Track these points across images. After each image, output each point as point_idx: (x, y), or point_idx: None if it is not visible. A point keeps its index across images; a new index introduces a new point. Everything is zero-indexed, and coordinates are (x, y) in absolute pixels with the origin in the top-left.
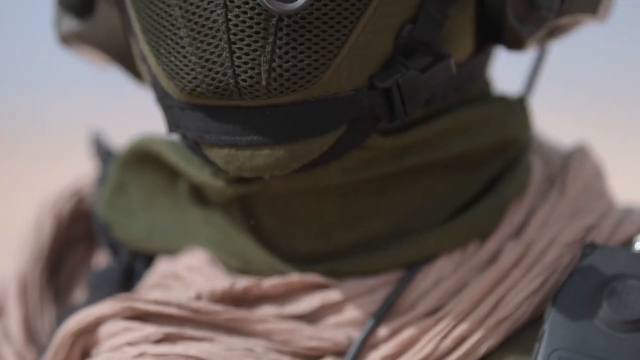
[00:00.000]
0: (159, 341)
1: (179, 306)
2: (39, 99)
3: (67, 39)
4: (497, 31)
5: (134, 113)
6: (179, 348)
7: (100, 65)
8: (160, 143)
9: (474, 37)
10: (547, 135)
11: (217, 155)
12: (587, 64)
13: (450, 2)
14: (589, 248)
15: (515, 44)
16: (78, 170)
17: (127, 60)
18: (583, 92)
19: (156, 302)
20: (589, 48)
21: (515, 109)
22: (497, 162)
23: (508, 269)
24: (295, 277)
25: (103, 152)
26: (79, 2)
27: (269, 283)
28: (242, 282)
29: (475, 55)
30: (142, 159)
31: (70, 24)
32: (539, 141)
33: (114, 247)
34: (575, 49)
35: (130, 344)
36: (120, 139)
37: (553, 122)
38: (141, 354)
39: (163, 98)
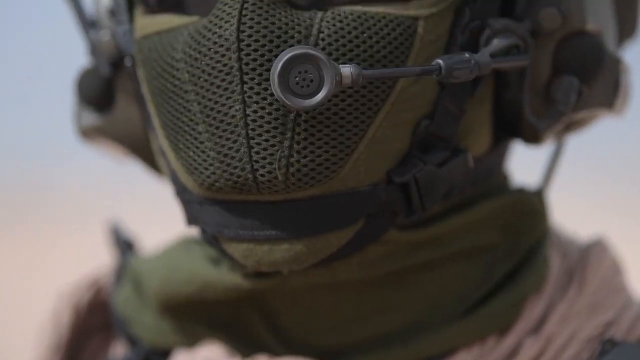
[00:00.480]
0: None
1: None
2: (45, 170)
3: (87, 133)
4: (514, 126)
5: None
6: None
7: (119, 159)
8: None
9: (492, 131)
10: (564, 226)
11: (236, 250)
12: (608, 143)
13: (468, 97)
14: (608, 345)
15: (533, 138)
16: (89, 242)
17: (146, 154)
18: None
19: None
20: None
21: (533, 203)
22: (515, 255)
23: None
24: None
25: (122, 243)
26: (99, 96)
27: None
28: None
29: (493, 149)
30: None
31: (90, 118)
32: (556, 233)
33: (132, 340)
34: (594, 129)
35: None
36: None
37: (570, 203)
38: None
39: (182, 193)
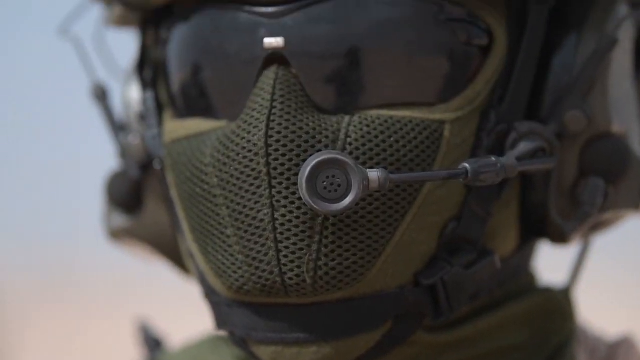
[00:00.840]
0: None
1: None
2: (72, 251)
3: (116, 235)
4: (540, 227)
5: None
6: None
7: (147, 260)
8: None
9: (518, 232)
10: (591, 323)
11: (264, 352)
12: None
13: (494, 200)
14: None
15: (559, 239)
16: (116, 329)
17: (174, 256)
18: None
19: None
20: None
21: (560, 302)
22: (543, 354)
23: None
24: None
25: (150, 341)
26: (128, 199)
27: None
28: None
29: (519, 249)
30: None
31: (119, 219)
32: (583, 330)
33: None
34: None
35: None
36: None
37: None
38: None
39: (210, 295)
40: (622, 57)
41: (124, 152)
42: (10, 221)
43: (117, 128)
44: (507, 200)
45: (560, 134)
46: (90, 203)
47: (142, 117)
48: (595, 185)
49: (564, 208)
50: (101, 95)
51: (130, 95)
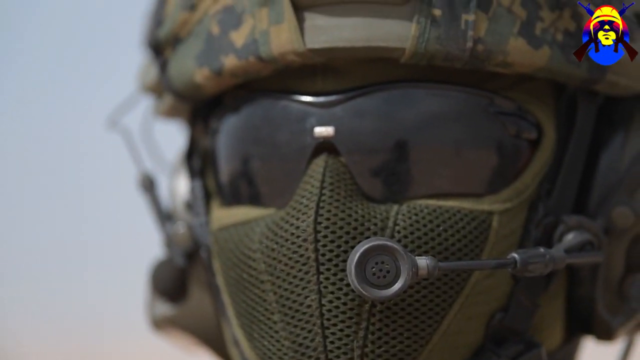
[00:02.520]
0: None
1: None
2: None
3: (160, 324)
4: (586, 321)
5: None
6: None
7: (189, 349)
8: None
9: (564, 326)
10: None
11: None
12: None
13: (541, 292)
14: None
15: (605, 334)
16: None
17: (217, 345)
18: None
19: None
20: None
21: None
22: None
23: None
24: None
25: None
26: (173, 287)
27: None
28: None
29: (565, 344)
30: None
31: (163, 308)
32: None
33: None
34: None
35: None
36: None
37: None
38: None
39: None
40: None
41: (170, 241)
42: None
43: (164, 217)
44: (555, 293)
45: (607, 229)
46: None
47: (190, 205)
48: None
49: (611, 303)
50: (149, 185)
51: (177, 185)
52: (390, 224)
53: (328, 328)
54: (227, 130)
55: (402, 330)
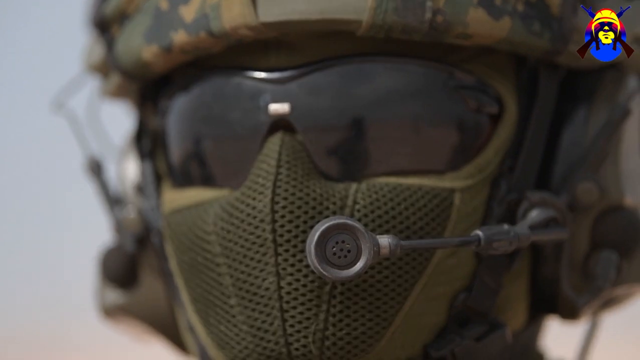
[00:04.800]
0: None
1: None
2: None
3: (110, 312)
4: (551, 301)
5: None
6: None
7: (141, 338)
8: None
9: (527, 306)
10: None
11: None
12: None
13: (505, 271)
14: None
15: (570, 314)
16: None
17: (170, 332)
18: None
19: None
20: None
21: None
22: None
23: None
24: None
25: None
26: (123, 274)
27: None
28: None
29: (528, 325)
30: None
31: (113, 296)
32: None
33: None
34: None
35: None
36: None
37: None
38: None
39: None
40: (632, 129)
41: (120, 226)
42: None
43: (113, 202)
44: (518, 272)
45: (571, 206)
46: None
47: (140, 189)
48: (608, 259)
49: (576, 282)
50: (96, 169)
51: (125, 169)
52: (350, 202)
53: (287, 311)
54: (178, 110)
55: (363, 312)
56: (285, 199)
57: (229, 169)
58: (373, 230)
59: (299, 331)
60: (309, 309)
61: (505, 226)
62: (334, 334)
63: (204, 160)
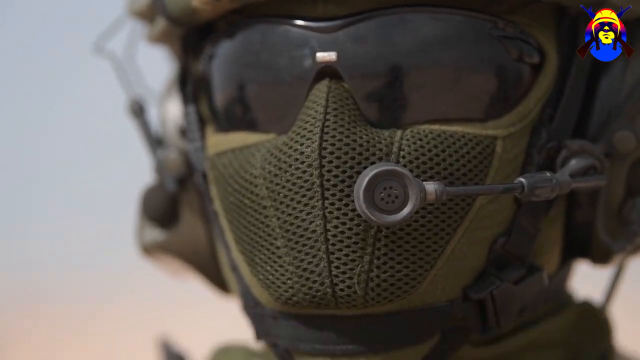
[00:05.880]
0: None
1: None
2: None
3: (149, 249)
4: (585, 246)
5: None
6: None
7: (180, 275)
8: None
9: (561, 251)
10: (625, 346)
11: None
12: None
13: (542, 216)
14: None
15: (603, 258)
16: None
17: (208, 271)
18: None
19: None
20: None
21: (598, 317)
22: None
23: None
24: None
25: (173, 357)
26: (163, 212)
27: None
28: None
29: (561, 268)
30: None
31: (153, 234)
32: (618, 352)
33: None
34: None
35: None
36: None
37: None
38: None
39: (254, 307)
40: None
41: (161, 167)
42: None
43: (155, 143)
44: (555, 217)
45: (608, 154)
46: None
47: (183, 131)
48: None
49: (612, 228)
50: (138, 110)
51: (167, 111)
52: (395, 149)
53: (333, 253)
54: (223, 56)
55: (407, 255)
56: (333, 144)
57: (274, 114)
58: (417, 177)
59: (344, 272)
60: (354, 252)
61: (548, 174)
62: (378, 276)
63: (249, 105)
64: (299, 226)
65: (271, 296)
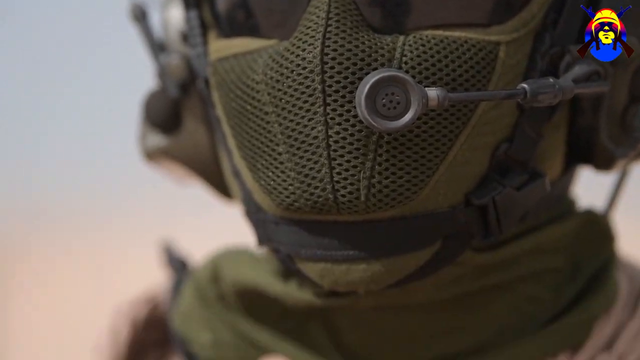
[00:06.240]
0: None
1: None
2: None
3: (152, 155)
4: (587, 151)
5: None
6: None
7: (183, 181)
8: (240, 260)
9: (564, 157)
10: (628, 253)
11: (312, 269)
12: None
13: (545, 122)
14: None
15: (606, 164)
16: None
17: (211, 176)
18: None
19: None
20: None
21: (601, 224)
22: (583, 276)
23: None
24: None
25: (175, 262)
26: (165, 118)
27: None
28: None
29: (564, 174)
30: (217, 276)
31: (156, 139)
32: (621, 259)
33: (189, 357)
34: None
35: None
36: None
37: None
38: None
39: (256, 213)
40: None
41: (163, 72)
42: None
43: (157, 48)
44: (557, 123)
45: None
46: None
47: (185, 36)
48: None
49: (615, 134)
50: (140, 15)
51: (169, 17)
52: (398, 55)
53: (335, 159)
54: None
55: (409, 161)
56: (335, 50)
57: (276, 19)
58: (420, 82)
59: (345, 178)
60: (356, 158)
61: (551, 79)
62: (379, 182)
63: (251, 10)
64: (300, 132)
65: (273, 202)
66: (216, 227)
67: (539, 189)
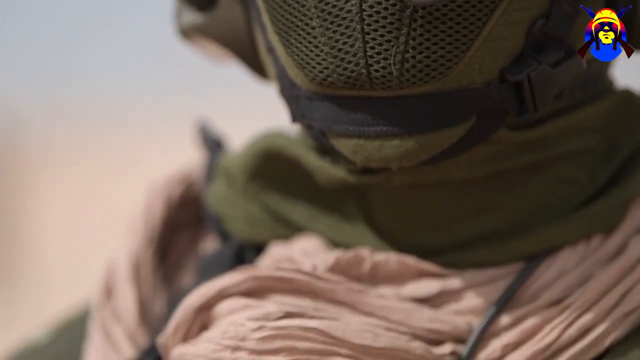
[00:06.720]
0: (279, 319)
1: (303, 273)
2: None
3: (187, 33)
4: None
5: None
6: (298, 321)
7: (218, 60)
8: (281, 137)
9: None
10: None
11: (345, 145)
12: None
13: None
14: None
15: None
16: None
17: (246, 54)
18: None
19: (279, 270)
20: None
21: (637, 105)
22: (619, 158)
23: (634, 262)
24: (411, 260)
25: (210, 141)
26: None
27: (382, 257)
28: (351, 253)
29: None
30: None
31: (191, 17)
32: None
33: (224, 236)
34: None
35: (250, 319)
36: None
37: None
38: (260, 328)
39: (289, 88)
40: None
41: None
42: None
43: None
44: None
45: None
46: None
47: None
48: None
49: None
50: None
51: None
52: None
53: (368, 33)
54: None
55: (443, 35)
56: None
57: None
58: None
59: (379, 53)
60: (389, 32)
61: None
62: (413, 57)
63: None
64: (334, 5)
65: (306, 77)
66: (252, 107)
67: (575, 66)
